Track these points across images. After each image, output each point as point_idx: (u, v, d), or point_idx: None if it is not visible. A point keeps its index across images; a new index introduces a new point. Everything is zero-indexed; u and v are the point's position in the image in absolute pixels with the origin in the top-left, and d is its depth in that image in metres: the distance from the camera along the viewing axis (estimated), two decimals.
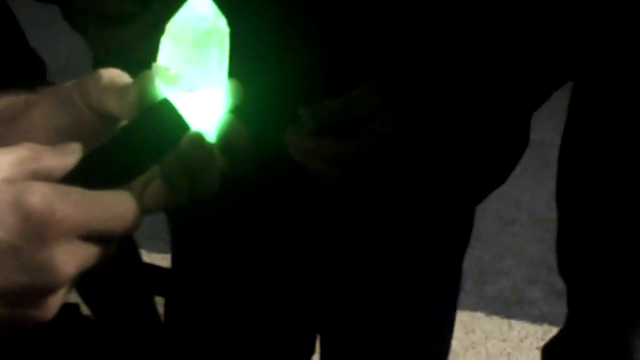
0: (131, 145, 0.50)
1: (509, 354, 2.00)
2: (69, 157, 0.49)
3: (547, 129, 1.33)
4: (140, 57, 0.90)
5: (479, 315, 2.11)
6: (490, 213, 2.36)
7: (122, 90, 0.53)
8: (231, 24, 0.54)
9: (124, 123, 0.55)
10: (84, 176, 0.49)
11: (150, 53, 0.91)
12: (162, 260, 2.17)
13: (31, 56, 1.09)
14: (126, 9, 0.90)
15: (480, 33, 0.77)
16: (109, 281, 1.30)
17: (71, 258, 0.46)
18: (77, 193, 0.46)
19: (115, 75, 0.54)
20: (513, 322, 2.09)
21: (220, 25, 0.53)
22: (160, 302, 1.37)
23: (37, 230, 0.44)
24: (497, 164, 0.97)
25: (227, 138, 0.53)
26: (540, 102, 0.82)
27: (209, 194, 0.54)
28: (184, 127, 0.51)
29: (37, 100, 0.56)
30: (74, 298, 1.32)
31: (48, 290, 0.46)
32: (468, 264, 1.15)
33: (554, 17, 0.76)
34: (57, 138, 0.54)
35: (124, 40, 0.91)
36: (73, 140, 0.52)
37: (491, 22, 0.77)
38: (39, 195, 0.45)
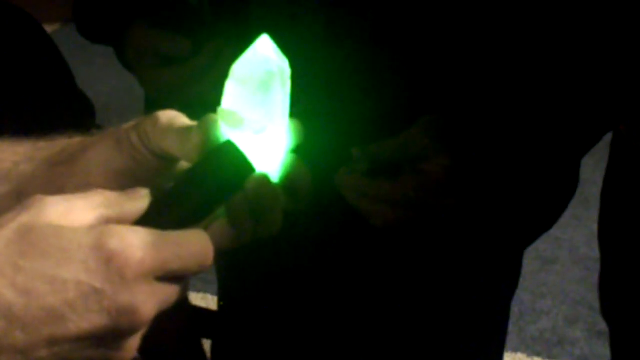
0: (199, 187, 0.51)
1: None
2: (139, 201, 0.50)
3: (587, 165, 1.31)
4: (193, 97, 0.91)
5: (520, 356, 2.08)
6: (530, 252, 2.33)
7: (184, 132, 0.53)
8: (291, 65, 0.54)
9: (183, 164, 0.55)
10: (155, 219, 0.49)
11: (203, 93, 0.91)
12: (201, 299, 2.17)
13: (80, 97, 1.11)
14: (181, 50, 0.91)
15: (536, 75, 0.77)
16: (156, 323, 1.30)
17: (151, 299, 0.46)
18: (153, 234, 0.47)
19: (172, 117, 0.54)
20: None
21: (283, 66, 0.53)
22: (206, 343, 1.37)
23: (118, 272, 0.45)
24: (548, 207, 0.96)
25: (290, 177, 0.54)
26: (592, 144, 0.81)
27: (271, 233, 0.54)
28: (250, 168, 0.51)
29: (94, 142, 0.56)
30: None
31: (129, 331, 0.47)
32: None
33: (608, 59, 0.75)
34: (116, 178, 0.54)
35: (176, 80, 0.92)
36: (131, 180, 0.53)
37: (546, 64, 0.77)
38: (118, 238, 0.45)
